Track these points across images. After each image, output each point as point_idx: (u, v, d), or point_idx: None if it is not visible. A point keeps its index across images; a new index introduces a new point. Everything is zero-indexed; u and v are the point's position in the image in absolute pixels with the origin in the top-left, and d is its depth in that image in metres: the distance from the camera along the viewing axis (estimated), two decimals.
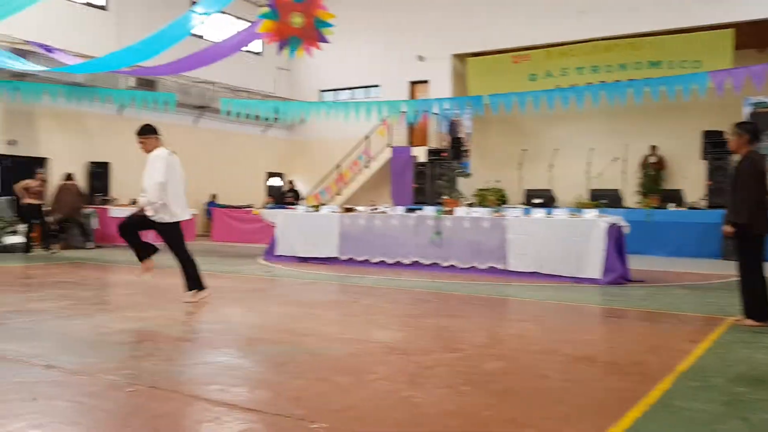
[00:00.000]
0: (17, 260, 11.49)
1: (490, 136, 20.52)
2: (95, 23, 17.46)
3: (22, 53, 14.63)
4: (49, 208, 13.79)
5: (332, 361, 4.33)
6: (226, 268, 10.49)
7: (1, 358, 4.26)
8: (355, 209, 11.75)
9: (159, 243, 6.79)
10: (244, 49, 17.89)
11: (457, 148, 18.52)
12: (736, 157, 6.20)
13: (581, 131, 18.49)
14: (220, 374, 3.95)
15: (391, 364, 4.25)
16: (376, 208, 11.73)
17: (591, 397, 3.61)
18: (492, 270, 9.77)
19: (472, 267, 9.96)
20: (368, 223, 11.05)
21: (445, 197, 13.25)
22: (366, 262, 10.98)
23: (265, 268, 10.75)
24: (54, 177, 15.54)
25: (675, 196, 14.73)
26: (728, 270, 7.36)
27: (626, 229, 9.52)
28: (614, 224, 9.25)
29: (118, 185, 17.26)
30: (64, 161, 14.49)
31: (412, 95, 20.76)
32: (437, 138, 20.06)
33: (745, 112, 15.51)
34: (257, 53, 22.04)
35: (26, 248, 12.95)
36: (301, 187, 21.68)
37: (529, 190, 15.95)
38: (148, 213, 6.45)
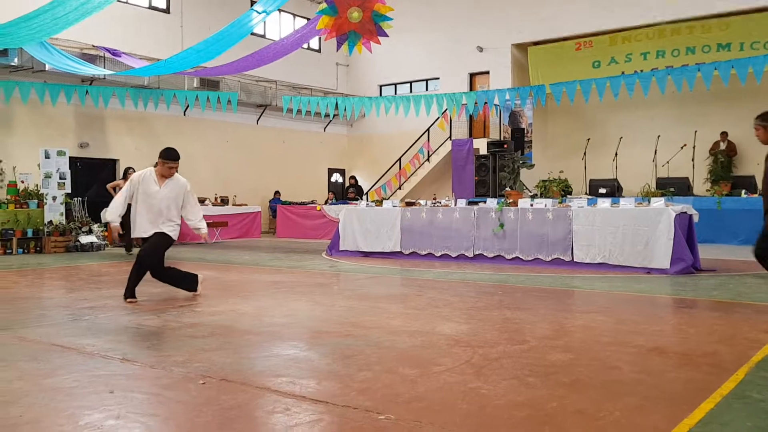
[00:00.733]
0: (93, 258, 11.96)
1: (552, 125, 20.20)
2: (159, 26, 17.98)
3: (91, 58, 15.20)
4: None
5: (398, 353, 4.36)
6: (291, 264, 10.67)
7: (79, 352, 4.45)
8: (417, 203, 11.77)
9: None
10: (303, 46, 18.11)
11: (518, 139, 18.30)
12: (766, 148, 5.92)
13: (647, 118, 18.00)
14: (289, 367, 4.03)
15: (456, 356, 4.25)
16: (437, 202, 11.72)
17: (663, 389, 3.53)
18: (557, 261, 9.64)
19: (537, 259, 9.86)
20: (430, 217, 11.05)
21: (507, 189, 13.13)
22: (429, 255, 10.99)
23: (328, 263, 10.88)
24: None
25: (747, 183, 14.21)
26: None
27: (696, 218, 9.25)
28: (683, 213, 9.00)
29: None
30: (133, 162, 14.98)
31: (472, 87, 20.62)
32: (498, 130, 19.86)
33: None
34: (316, 50, 22.27)
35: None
36: (363, 183, 21.83)
37: (593, 180, 15.63)
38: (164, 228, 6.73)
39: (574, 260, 9.49)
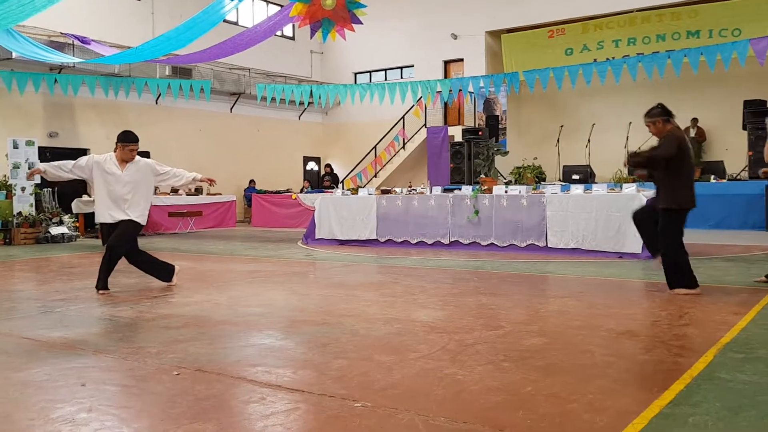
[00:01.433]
0: (64, 250, 11.81)
1: (526, 113, 20.30)
2: (129, 13, 17.70)
3: (59, 46, 14.92)
4: None
5: (374, 340, 4.38)
6: (267, 253, 10.63)
7: (51, 345, 4.40)
8: (393, 191, 11.78)
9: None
10: (277, 33, 17.96)
11: (493, 127, 18.37)
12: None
13: (619, 105, 18.16)
14: (265, 356, 4.02)
15: (432, 342, 4.27)
16: (413, 189, 11.73)
17: (635, 372, 3.59)
18: (532, 247, 9.72)
19: (512, 245, 9.93)
20: (406, 205, 11.07)
21: (482, 176, 13.18)
22: (405, 243, 11.01)
23: (304, 251, 10.86)
24: None
25: (716, 168, 14.43)
26: None
27: None
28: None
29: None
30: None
31: (447, 74, 20.63)
32: (473, 117, 19.91)
33: None
34: (290, 38, 22.11)
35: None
36: (339, 171, 21.77)
37: (567, 167, 15.76)
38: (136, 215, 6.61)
39: (548, 246, 9.58)
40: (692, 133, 17.04)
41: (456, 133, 18.79)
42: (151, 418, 2.98)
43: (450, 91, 14.73)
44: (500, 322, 4.98)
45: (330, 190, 15.86)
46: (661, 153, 6.00)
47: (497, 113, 19.52)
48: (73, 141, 16.54)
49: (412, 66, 21.24)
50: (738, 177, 13.89)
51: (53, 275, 8.24)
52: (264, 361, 3.89)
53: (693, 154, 6.11)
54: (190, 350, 4.14)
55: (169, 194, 16.44)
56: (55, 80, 14.70)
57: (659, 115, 6.24)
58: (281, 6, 15.43)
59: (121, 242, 6.55)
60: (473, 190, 10.60)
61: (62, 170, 6.60)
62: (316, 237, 11.90)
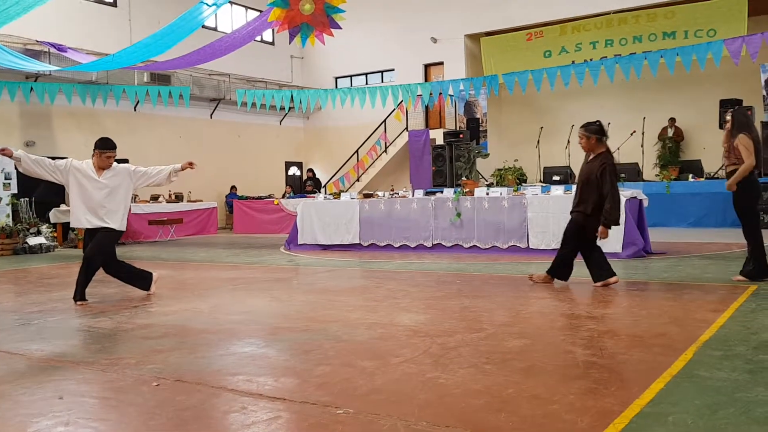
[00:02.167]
0: (42, 260, 11.67)
1: (506, 115, 20.40)
2: (106, 20, 17.56)
3: (35, 53, 14.76)
4: None
5: (357, 346, 4.36)
6: (249, 259, 10.58)
7: (28, 357, 4.34)
8: (375, 195, 11.77)
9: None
10: (257, 38, 17.90)
11: (474, 129, 18.43)
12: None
13: (597, 106, 18.28)
14: (246, 364, 3.99)
15: (415, 346, 4.27)
16: (395, 193, 11.74)
17: (615, 371, 3.61)
18: (513, 249, 9.75)
19: (494, 247, 9.96)
20: (388, 208, 11.07)
21: (464, 178, 13.22)
22: (388, 246, 11.01)
23: (287, 257, 10.81)
24: None
25: (694, 167, 14.58)
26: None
27: (645, 202, 9.45)
28: (633, 198, 9.18)
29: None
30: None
31: (427, 78, 20.67)
32: (454, 120, 19.97)
33: (762, 79, 15.27)
34: (270, 43, 22.05)
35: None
36: (321, 175, 21.74)
37: (547, 168, 15.85)
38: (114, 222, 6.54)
39: (530, 247, 9.62)
40: (670, 132, 17.22)
41: (437, 136, 18.83)
42: (130, 430, 2.95)
43: (431, 94, 14.76)
44: (483, 324, 4.99)
45: (312, 195, 15.83)
46: (612, 204, 6.43)
47: (478, 116, 19.58)
48: (50, 150, 16.35)
49: (393, 70, 21.26)
50: (716, 175, 14.03)
51: (31, 286, 8.14)
52: (245, 369, 3.86)
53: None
54: (169, 360, 4.10)
55: (149, 201, 16.33)
56: (31, 89, 14.54)
57: (595, 133, 6.56)
58: (260, 11, 15.38)
59: (97, 253, 6.46)
60: (455, 192, 10.63)
61: (40, 165, 6.47)
62: (299, 242, 11.86)
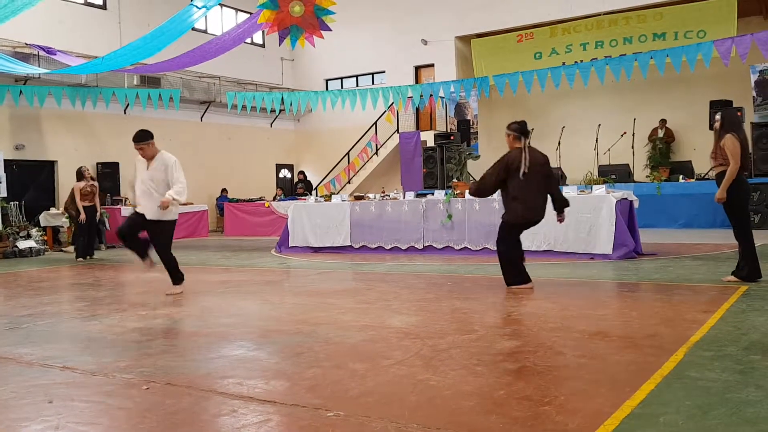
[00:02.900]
0: (32, 264, 11.60)
1: (497, 116, 20.40)
2: (96, 23, 17.47)
3: (24, 56, 14.68)
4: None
5: (348, 348, 4.35)
6: (240, 262, 10.55)
7: (17, 361, 4.31)
8: (366, 197, 11.76)
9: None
10: (247, 41, 17.87)
11: (464, 131, 18.45)
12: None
13: (588, 107, 18.36)
14: (236, 367, 3.97)
15: (406, 348, 4.26)
16: (386, 195, 11.73)
17: (606, 372, 3.61)
18: None
19: (485, 248, 9.96)
20: (379, 210, 11.06)
21: (455, 180, 13.22)
22: (379, 249, 11.00)
23: (278, 260, 10.79)
24: (64, 179, 15.69)
25: (684, 168, 14.64)
26: None
27: (636, 203, 9.48)
28: (624, 199, 9.21)
29: (127, 185, 17.32)
30: (73, 163, 14.55)
31: (418, 80, 20.68)
32: (445, 122, 19.99)
33: (752, 80, 15.36)
34: (260, 45, 22.01)
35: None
36: (312, 178, 21.71)
37: None
38: (158, 213, 6.58)
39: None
40: (661, 133, 17.28)
41: (428, 138, 18.84)
42: None
43: (421, 96, 14.77)
44: (474, 326, 4.99)
45: (303, 198, 15.80)
46: (484, 177, 6.84)
47: (468, 117, 19.61)
48: (40, 153, 16.28)
49: (384, 72, 21.26)
50: (706, 176, 14.09)
51: (21, 290, 8.08)
52: (235, 372, 3.84)
53: (534, 174, 6.53)
54: (159, 363, 4.07)
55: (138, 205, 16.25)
56: (21, 92, 14.47)
57: (514, 131, 6.70)
58: (250, 13, 15.37)
59: (161, 251, 6.93)
60: (446, 194, 10.63)
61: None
62: (290, 245, 11.83)
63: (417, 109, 19.56)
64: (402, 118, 20.18)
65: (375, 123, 19.92)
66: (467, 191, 7.04)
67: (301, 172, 21.51)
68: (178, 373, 3.85)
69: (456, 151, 16.50)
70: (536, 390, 3.30)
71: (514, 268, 6.71)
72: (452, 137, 17.00)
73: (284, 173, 23.32)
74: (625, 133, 16.41)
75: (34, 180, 15.97)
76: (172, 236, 7.06)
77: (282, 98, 15.84)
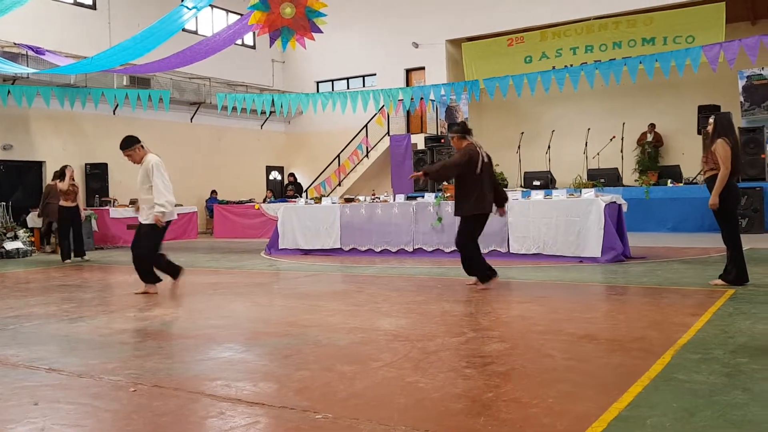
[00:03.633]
0: (19, 265, 11.52)
1: (487, 120, 20.47)
2: (85, 23, 17.39)
3: (12, 56, 14.60)
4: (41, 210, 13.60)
5: (337, 350, 4.34)
6: (229, 264, 10.51)
7: (3, 363, 4.27)
8: (356, 199, 11.75)
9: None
10: (237, 42, 17.83)
11: None
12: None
13: (578, 111, 18.44)
14: (224, 369, 3.96)
15: (395, 351, 4.26)
16: (376, 198, 11.73)
17: (594, 375, 3.62)
18: (494, 253, 9.76)
19: None
20: (369, 213, 11.05)
21: (445, 183, 13.23)
22: (369, 251, 10.99)
23: (267, 262, 10.76)
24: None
25: (673, 172, 14.72)
26: None
27: (625, 207, 9.52)
28: (612, 202, 9.25)
29: (116, 186, 17.25)
30: (61, 164, 14.47)
31: (408, 82, 20.71)
32: (435, 125, 20.01)
33: (740, 85, 15.47)
34: (251, 47, 21.98)
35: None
36: (302, 180, 21.67)
37: (527, 173, 15.93)
38: (150, 218, 6.62)
39: (510, 251, 9.64)
40: (649, 138, 17.38)
41: (419, 140, 18.86)
42: None
43: (412, 99, 14.78)
44: (463, 328, 4.99)
45: (293, 200, 15.77)
46: (451, 161, 7.09)
47: (459, 121, 19.65)
48: (28, 153, 16.18)
49: (375, 74, 21.27)
50: (694, 180, 14.18)
51: (7, 291, 8.01)
52: (223, 374, 3.83)
53: (485, 169, 6.91)
54: (147, 365, 4.05)
55: (127, 206, 16.17)
56: (9, 91, 14.38)
57: (457, 132, 7.15)
58: (241, 15, 15.34)
59: (140, 246, 6.93)
60: (436, 197, 10.64)
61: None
62: (280, 247, 11.81)
63: (408, 112, 19.58)
64: (392, 121, 20.19)
65: (366, 125, 19.92)
66: (423, 170, 7.31)
67: (291, 174, 21.47)
68: (166, 375, 3.83)
69: (446, 154, 16.55)
70: (525, 392, 3.30)
71: (483, 262, 7.05)
72: (443, 140, 17.02)
73: (274, 175, 23.28)
74: (614, 137, 16.49)
75: (21, 180, 15.87)
76: (161, 239, 7.03)
77: (272, 100, 15.81)
